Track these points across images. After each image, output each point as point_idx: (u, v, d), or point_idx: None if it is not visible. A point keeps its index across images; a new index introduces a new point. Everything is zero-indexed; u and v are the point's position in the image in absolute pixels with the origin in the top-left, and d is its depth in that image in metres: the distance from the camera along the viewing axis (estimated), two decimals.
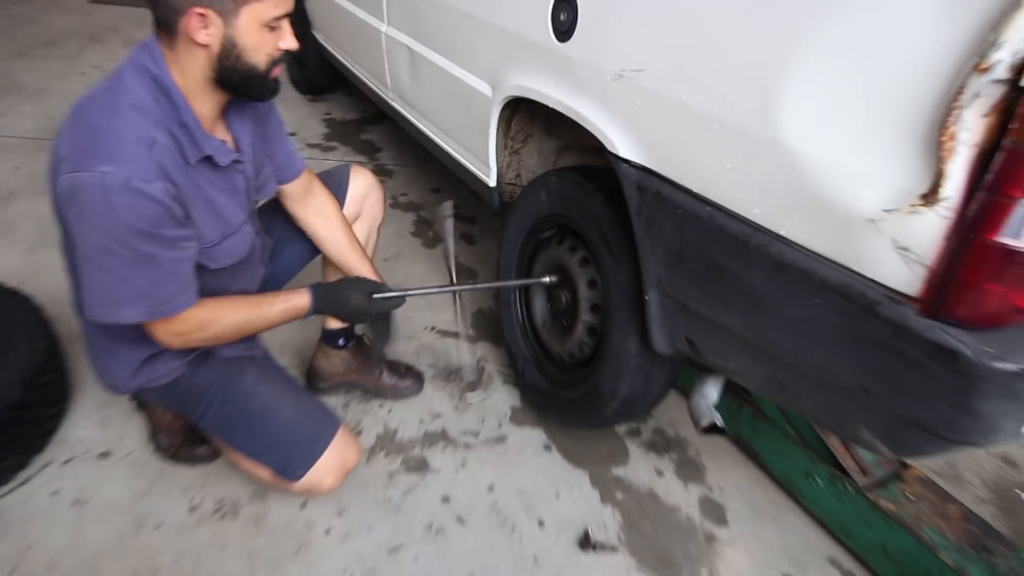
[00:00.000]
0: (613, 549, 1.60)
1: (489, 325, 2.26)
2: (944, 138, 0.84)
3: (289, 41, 1.23)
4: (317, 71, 3.66)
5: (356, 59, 2.85)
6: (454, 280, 1.70)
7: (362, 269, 1.62)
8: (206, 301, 1.30)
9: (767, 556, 1.63)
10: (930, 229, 0.88)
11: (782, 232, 1.06)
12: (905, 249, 0.91)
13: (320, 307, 1.44)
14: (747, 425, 1.82)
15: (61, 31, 4.64)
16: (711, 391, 1.62)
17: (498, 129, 1.80)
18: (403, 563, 1.52)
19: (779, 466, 1.78)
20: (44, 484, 1.60)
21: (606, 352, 1.58)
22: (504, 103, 1.71)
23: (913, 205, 0.88)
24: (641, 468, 1.82)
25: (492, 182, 1.90)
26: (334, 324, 1.83)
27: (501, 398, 1.99)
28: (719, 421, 1.58)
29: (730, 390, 1.78)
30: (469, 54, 1.85)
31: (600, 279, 1.61)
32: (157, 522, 1.55)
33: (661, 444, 1.90)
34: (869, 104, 0.92)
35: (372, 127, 3.62)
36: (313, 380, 1.93)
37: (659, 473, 1.81)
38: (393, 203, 2.90)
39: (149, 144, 1.13)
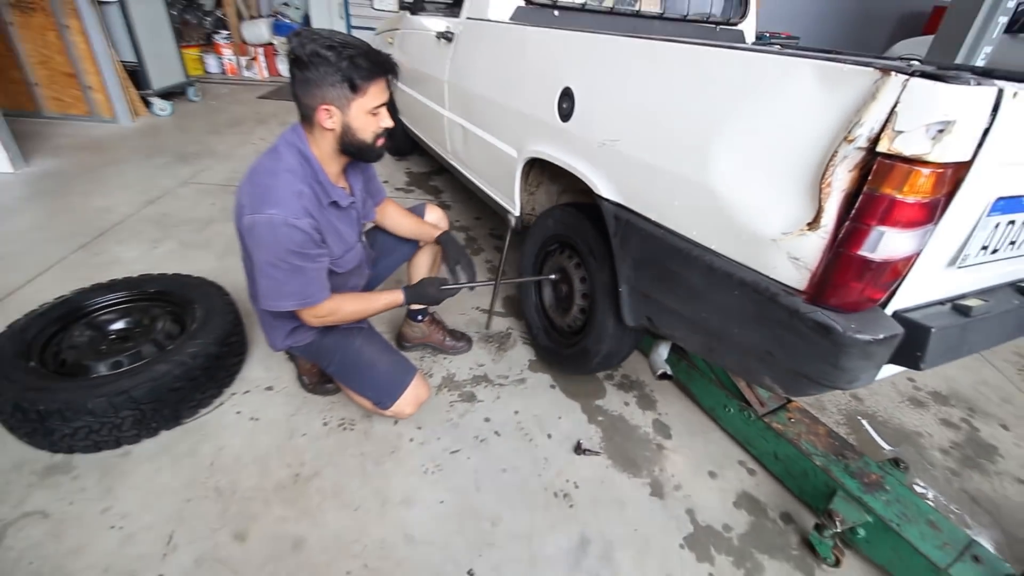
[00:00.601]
0: (597, 453, 1.59)
1: (514, 305, 2.25)
2: (824, 185, 0.84)
3: (387, 121, 1.26)
4: (401, 140, 3.65)
5: (426, 132, 2.83)
6: (498, 277, 1.72)
7: (425, 232, 1.67)
8: (336, 295, 1.32)
9: (698, 460, 1.61)
10: (812, 246, 0.87)
11: (712, 246, 1.06)
12: (796, 259, 0.90)
13: (410, 300, 1.46)
14: (684, 372, 1.79)
15: (240, 116, 4.70)
16: (663, 350, 1.61)
17: (521, 178, 1.79)
18: (460, 461, 1.53)
19: (705, 400, 1.74)
20: (231, 407, 1.64)
21: (592, 325, 1.58)
22: (525, 161, 1.70)
23: (801, 230, 0.88)
24: (614, 400, 1.80)
25: (517, 213, 1.89)
26: (416, 305, 1.84)
27: (522, 353, 1.98)
28: (668, 371, 1.57)
29: (674, 350, 1.77)
30: (503, 130, 1.84)
31: (588, 277, 1.60)
32: (302, 432, 1.58)
33: (627, 385, 1.88)
34: (771, 162, 0.92)
35: (437, 177, 3.61)
36: (400, 342, 1.95)
37: (625, 404, 1.79)
38: (452, 226, 2.90)
39: (298, 195, 1.18)
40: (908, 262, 0.84)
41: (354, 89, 1.14)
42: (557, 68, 1.45)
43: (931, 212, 0.79)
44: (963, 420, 1.87)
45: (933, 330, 0.89)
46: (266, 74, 6.39)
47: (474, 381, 1.83)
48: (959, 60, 3.66)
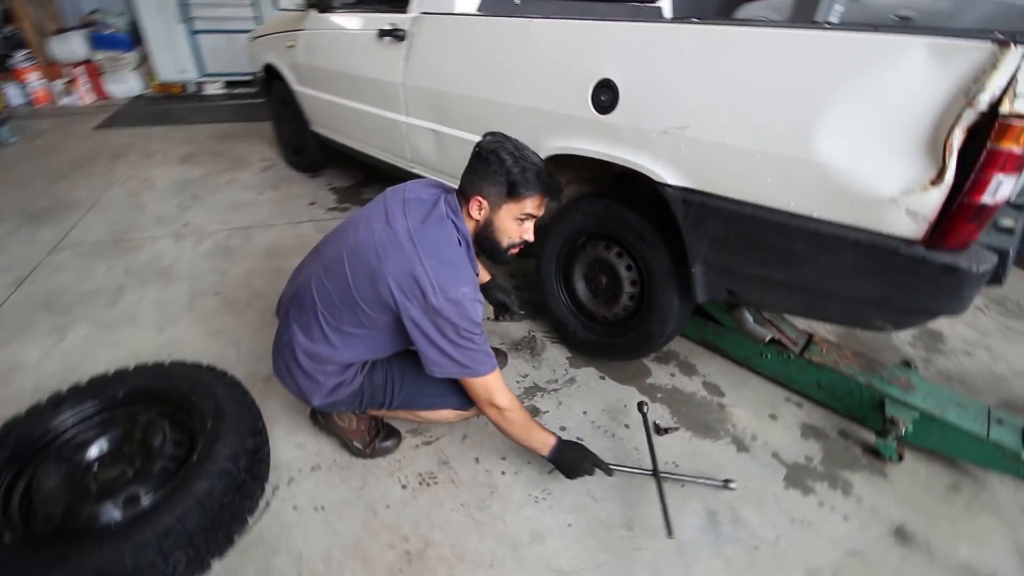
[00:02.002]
0: (676, 428, 1.67)
1: (528, 307, 2.19)
2: (948, 145, 0.95)
3: (530, 235, 1.30)
4: (314, 154, 3.28)
5: (367, 140, 2.56)
6: (656, 467, 1.43)
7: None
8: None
9: (755, 407, 1.76)
10: (933, 199, 0.99)
11: (813, 214, 1.15)
12: (914, 212, 1.02)
13: (555, 459, 1.36)
14: (711, 332, 1.92)
15: (83, 154, 3.83)
16: (750, 317, 1.73)
17: None
18: (559, 477, 1.49)
19: (739, 352, 1.88)
20: (283, 503, 1.40)
21: (653, 308, 1.62)
22: None
23: (924, 187, 0.99)
24: (661, 375, 1.89)
25: None
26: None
27: (556, 354, 1.96)
28: (771, 335, 1.70)
29: (696, 313, 1.90)
30: (505, 130, 1.74)
31: (637, 264, 1.63)
32: (385, 504, 1.41)
33: (663, 358, 1.97)
34: (889, 132, 1.01)
35: (367, 188, 3.31)
36: None
37: (672, 375, 1.89)
38: None
39: (473, 275, 1.23)
40: (1006, 202, 1.01)
41: (511, 195, 1.21)
42: (590, 60, 1.42)
43: None
44: None
45: (1010, 251, 1.10)
46: (92, 98, 5.22)
47: (528, 393, 1.78)
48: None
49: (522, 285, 2.34)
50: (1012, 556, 1.35)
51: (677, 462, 1.56)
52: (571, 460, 1.35)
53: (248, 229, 2.77)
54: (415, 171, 2.31)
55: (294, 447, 1.55)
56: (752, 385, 1.86)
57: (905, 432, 1.54)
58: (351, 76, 2.40)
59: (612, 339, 1.80)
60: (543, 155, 1.63)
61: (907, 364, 1.76)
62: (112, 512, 1.17)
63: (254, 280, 2.33)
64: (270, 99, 3.47)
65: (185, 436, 1.37)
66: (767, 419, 1.73)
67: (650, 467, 1.43)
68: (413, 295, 1.14)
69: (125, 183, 3.31)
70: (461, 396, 1.37)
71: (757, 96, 1.16)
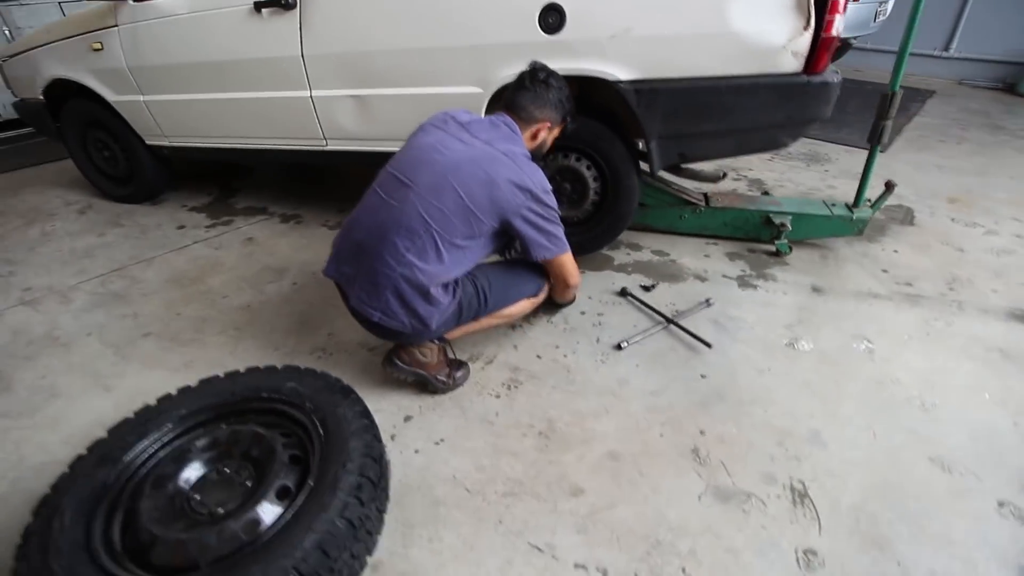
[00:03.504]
0: (656, 284, 2.11)
1: None
2: (808, 2, 1.49)
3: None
4: (152, 178, 2.81)
5: (257, 134, 2.36)
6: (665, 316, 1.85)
7: None
8: None
9: (693, 254, 2.31)
10: (806, 40, 1.54)
11: (734, 72, 1.63)
12: (796, 52, 1.56)
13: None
14: (639, 216, 2.37)
15: None
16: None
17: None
18: (608, 343, 1.79)
19: (662, 222, 2.39)
20: (401, 453, 1.42)
21: (620, 191, 1.98)
22: (497, 90, 1.86)
23: (800, 33, 1.53)
24: (621, 256, 2.30)
25: None
26: None
27: None
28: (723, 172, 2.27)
29: None
30: (451, 74, 1.88)
31: (597, 163, 1.96)
32: (493, 413, 1.53)
33: (614, 246, 2.38)
34: (770, 4, 1.51)
35: (235, 198, 2.95)
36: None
37: (628, 254, 2.32)
38: (327, 225, 2.61)
39: None
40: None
41: (564, 120, 1.54)
42: None
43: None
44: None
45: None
46: None
47: None
48: None
49: None
50: (871, 279, 2.13)
51: (672, 302, 2.00)
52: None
53: (122, 270, 2.32)
54: (332, 148, 2.26)
55: (375, 413, 1.52)
56: (682, 242, 2.41)
57: (787, 231, 2.24)
58: (218, 64, 2.20)
59: (586, 234, 2.12)
60: (497, 86, 1.85)
61: (766, 193, 2.50)
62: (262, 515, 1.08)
63: (183, 310, 2.03)
64: (64, 126, 2.83)
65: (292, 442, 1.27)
66: (704, 258, 2.29)
67: (661, 321, 1.86)
68: (523, 194, 1.37)
69: (65, 238, 2.43)
70: (533, 282, 1.61)
71: None
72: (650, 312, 1.93)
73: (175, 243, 2.53)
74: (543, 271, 1.62)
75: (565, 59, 1.74)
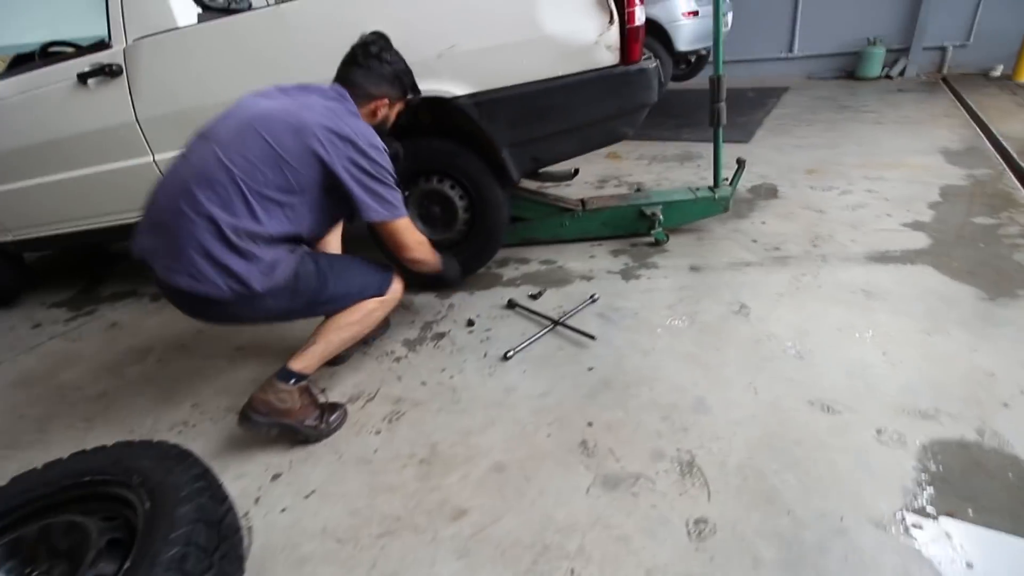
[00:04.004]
0: (544, 291, 2.09)
1: None
2: None
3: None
4: (6, 278, 2.56)
5: (104, 210, 2.20)
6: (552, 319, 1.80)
7: None
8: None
9: (578, 257, 2.32)
10: (614, 33, 1.63)
11: (560, 72, 1.69)
12: (609, 46, 1.65)
13: (446, 268, 1.71)
14: (523, 230, 2.40)
15: None
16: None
17: None
18: (497, 354, 1.73)
19: (547, 232, 2.41)
20: (267, 515, 1.27)
21: (487, 205, 1.98)
22: None
23: (607, 27, 1.62)
24: (510, 272, 2.28)
25: None
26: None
27: (424, 300, 2.12)
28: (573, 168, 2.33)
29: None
30: None
31: (459, 180, 1.96)
32: (372, 450, 1.41)
33: (502, 263, 2.36)
34: (574, 5, 1.60)
35: (103, 288, 2.66)
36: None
37: (516, 268, 2.30)
38: None
39: None
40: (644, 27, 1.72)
41: (404, 95, 1.48)
42: (351, 24, 1.67)
43: None
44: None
45: (656, 65, 1.85)
46: None
47: (424, 329, 1.93)
48: None
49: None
50: (743, 250, 2.22)
51: (560, 304, 1.98)
52: (455, 266, 1.81)
53: None
54: None
55: (236, 479, 1.37)
56: (568, 249, 2.43)
57: (660, 221, 2.31)
58: (51, 143, 2.06)
59: (463, 255, 2.08)
60: None
61: (638, 189, 2.60)
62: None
63: (27, 412, 1.79)
64: None
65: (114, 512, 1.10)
66: (590, 259, 2.31)
67: (547, 324, 1.83)
68: (342, 142, 1.27)
69: None
70: (379, 275, 1.51)
71: (496, 5, 1.64)
72: (537, 318, 1.90)
73: (27, 343, 2.27)
74: (391, 267, 1.55)
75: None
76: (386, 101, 1.44)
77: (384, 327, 1.95)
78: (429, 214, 2.05)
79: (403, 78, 1.45)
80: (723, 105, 2.16)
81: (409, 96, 1.50)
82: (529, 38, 1.65)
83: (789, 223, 2.43)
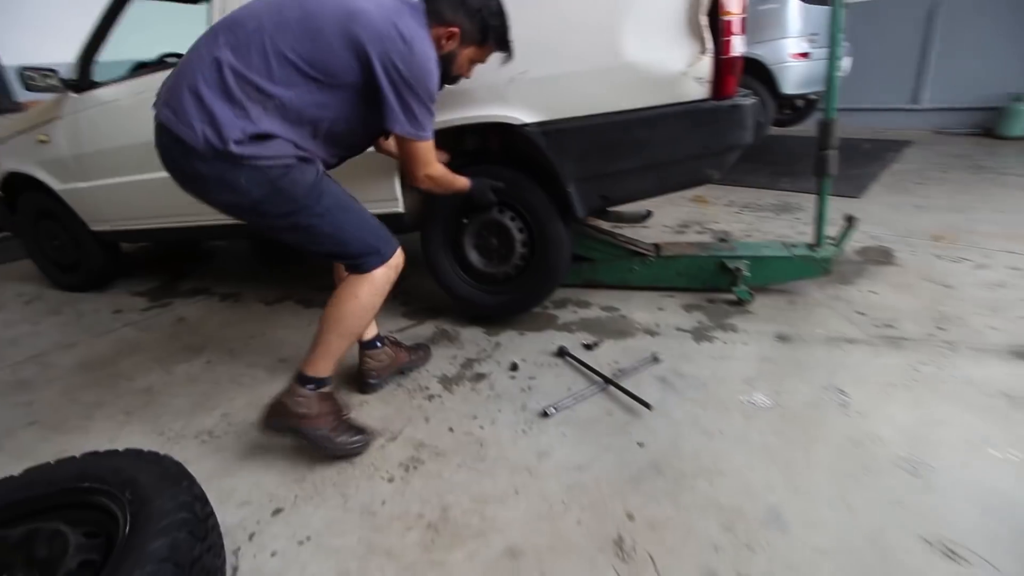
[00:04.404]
0: (600, 343, 1.87)
1: (427, 312, 2.18)
2: (701, 26, 1.40)
3: (470, 76, 1.43)
4: (98, 265, 2.77)
5: (186, 211, 2.28)
6: (603, 376, 1.63)
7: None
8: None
9: (646, 308, 2.08)
10: (706, 64, 1.43)
11: (639, 104, 1.52)
12: (699, 78, 1.45)
13: (475, 188, 1.63)
14: (589, 271, 2.20)
15: None
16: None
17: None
18: (534, 409, 1.54)
19: (612, 277, 2.19)
20: (255, 558, 1.15)
21: (547, 242, 1.81)
22: None
23: (698, 58, 1.43)
24: (567, 315, 2.09)
25: (402, 208, 1.90)
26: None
27: (472, 334, 1.98)
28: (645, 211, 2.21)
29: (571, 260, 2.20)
30: None
31: (520, 212, 1.81)
32: (379, 502, 1.26)
33: (560, 304, 2.17)
34: (666, 28, 1.43)
35: (183, 283, 2.84)
36: (365, 380, 1.66)
37: (574, 312, 2.10)
38: (266, 301, 2.47)
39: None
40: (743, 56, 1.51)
41: (483, 40, 1.32)
42: None
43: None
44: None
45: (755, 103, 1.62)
46: None
47: (465, 366, 1.78)
48: None
49: (409, 292, 2.33)
50: (845, 323, 1.87)
51: (616, 360, 1.75)
52: (481, 187, 1.66)
53: (40, 356, 2.17)
54: None
55: (238, 507, 1.28)
56: (635, 297, 2.19)
57: (745, 277, 2.02)
58: (149, 144, 2.19)
59: (519, 291, 1.94)
60: None
61: (723, 239, 2.32)
62: None
63: (80, 396, 1.85)
64: (18, 219, 2.85)
65: (97, 527, 1.04)
66: (658, 311, 2.06)
67: (598, 381, 1.61)
68: (391, 40, 1.14)
69: None
70: (383, 241, 1.33)
71: (574, 30, 1.51)
72: (588, 372, 1.68)
73: (104, 327, 2.41)
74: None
75: (468, 107, 1.66)
76: (458, 33, 1.27)
77: (426, 357, 1.83)
78: (486, 245, 1.92)
79: (488, 19, 1.28)
80: (833, 153, 1.86)
81: (488, 45, 1.33)
82: (608, 66, 1.50)
83: (906, 296, 2.04)
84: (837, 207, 2.28)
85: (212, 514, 1.09)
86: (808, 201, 3.22)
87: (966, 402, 1.44)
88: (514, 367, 1.75)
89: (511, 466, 1.33)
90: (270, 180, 1.18)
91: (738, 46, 1.43)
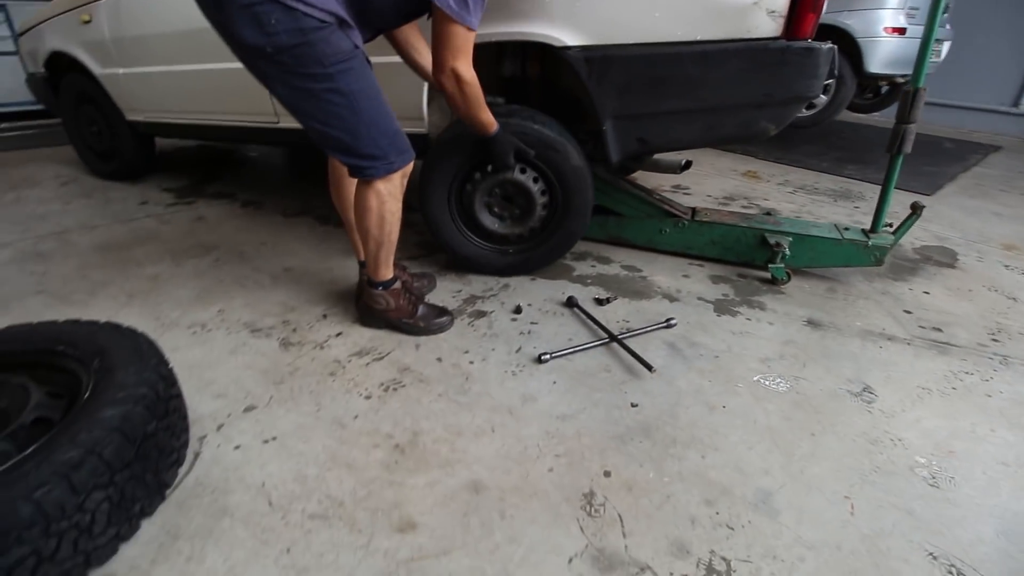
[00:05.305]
0: (614, 298, 1.76)
1: (426, 251, 2.10)
2: None
3: None
4: (132, 155, 2.78)
5: (215, 109, 2.26)
6: (610, 333, 1.51)
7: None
8: None
9: (670, 273, 1.94)
10: None
11: (698, 37, 1.34)
12: (772, 11, 1.26)
13: (495, 138, 1.47)
14: (614, 226, 2.07)
15: None
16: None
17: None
18: (530, 355, 1.46)
19: (641, 237, 2.05)
20: (218, 448, 1.13)
21: (570, 209, 1.69)
22: None
23: None
24: (584, 268, 1.97)
25: (427, 129, 1.79)
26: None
27: (482, 281, 1.92)
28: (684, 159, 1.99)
29: (597, 212, 2.06)
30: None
31: (551, 173, 1.65)
32: (351, 416, 1.22)
33: (580, 256, 2.05)
34: None
35: (210, 185, 2.86)
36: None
37: (592, 266, 1.98)
38: (285, 213, 2.44)
39: None
40: None
41: None
42: None
43: None
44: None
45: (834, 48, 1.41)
46: None
47: (467, 303, 1.70)
48: None
49: (420, 258, 2.24)
50: (888, 318, 1.69)
51: (627, 319, 1.64)
52: (505, 144, 1.49)
53: (62, 233, 2.22)
54: (283, 126, 2.10)
55: (213, 398, 1.26)
56: (660, 260, 2.05)
57: (784, 256, 1.85)
58: (184, 34, 2.12)
59: (534, 250, 1.81)
60: None
61: (768, 213, 2.12)
62: None
63: (91, 274, 1.87)
64: (60, 100, 2.88)
65: (62, 389, 1.03)
66: (682, 278, 1.92)
67: (603, 337, 1.51)
68: None
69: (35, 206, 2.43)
70: (401, 145, 1.29)
71: None
72: (594, 326, 1.58)
73: (128, 215, 2.43)
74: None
75: (510, 21, 1.51)
76: None
77: (429, 286, 1.76)
78: (501, 205, 1.76)
79: None
80: (912, 128, 1.63)
81: None
82: None
83: (963, 302, 1.83)
84: (904, 201, 2.05)
85: (177, 396, 1.07)
86: (872, 192, 2.95)
87: (1008, 420, 1.28)
88: (517, 310, 1.66)
89: (493, 404, 1.27)
90: (302, 30, 1.08)
91: None
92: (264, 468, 1.07)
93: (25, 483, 0.77)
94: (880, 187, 1.83)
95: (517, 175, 1.67)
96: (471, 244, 1.83)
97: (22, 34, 2.88)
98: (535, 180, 1.69)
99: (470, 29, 1.19)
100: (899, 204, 1.98)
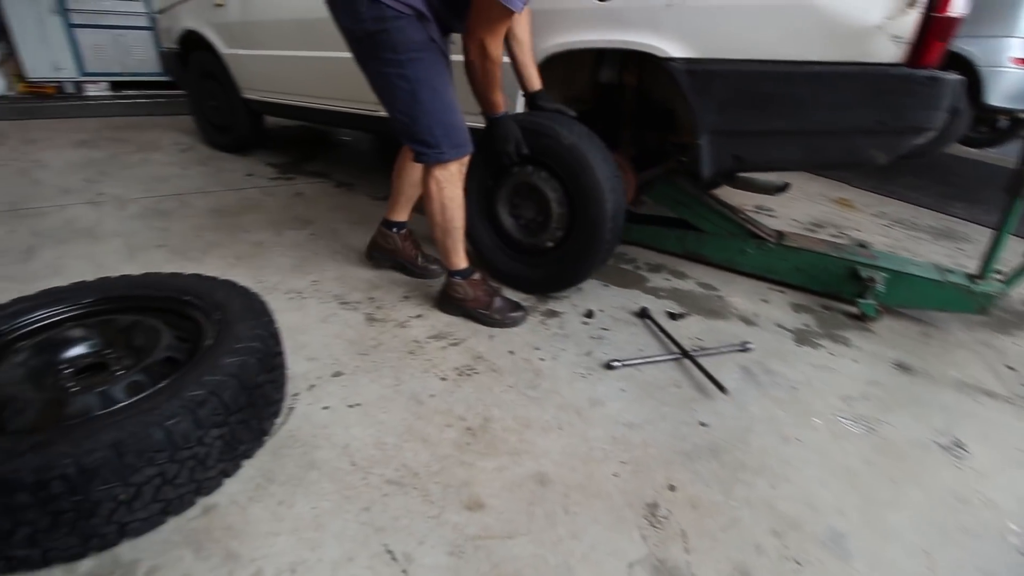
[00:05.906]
0: (688, 314, 1.73)
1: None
2: None
3: None
4: (244, 131, 3.03)
5: (325, 94, 2.42)
6: (683, 349, 1.50)
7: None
8: None
9: (748, 295, 1.89)
10: (911, 20, 1.17)
11: (811, 57, 1.29)
12: (897, 36, 1.20)
13: (500, 119, 1.52)
14: (693, 242, 2.04)
15: None
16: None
17: None
18: (599, 358, 1.47)
19: (720, 255, 2.01)
20: (309, 406, 1.22)
21: (587, 226, 1.61)
22: (543, 59, 1.67)
23: (903, 10, 1.17)
24: (658, 280, 1.96)
25: None
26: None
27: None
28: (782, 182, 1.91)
29: (676, 226, 2.03)
30: None
31: (568, 182, 1.60)
32: (428, 394, 1.28)
33: (655, 268, 2.05)
34: None
35: (309, 163, 3.09)
36: (370, 251, 1.87)
37: (667, 280, 1.97)
38: (374, 196, 2.58)
39: None
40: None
41: None
42: None
43: None
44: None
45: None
46: None
47: (544, 299, 1.75)
48: None
49: None
50: (988, 372, 1.57)
51: (700, 337, 1.62)
52: (507, 130, 1.52)
53: (181, 195, 2.46)
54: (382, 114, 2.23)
55: (306, 360, 1.37)
56: (739, 281, 1.99)
57: (876, 294, 1.75)
58: (303, 22, 2.30)
59: (556, 266, 1.73)
60: (542, 56, 1.67)
61: (862, 245, 2.01)
62: (115, 394, 0.95)
63: (205, 234, 2.07)
64: (187, 74, 3.18)
65: (187, 334, 1.16)
66: (761, 303, 1.86)
67: (675, 352, 1.49)
68: None
69: (7, 164, 2.79)
70: (459, 136, 1.40)
71: None
72: (666, 340, 1.57)
73: (237, 185, 2.66)
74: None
75: (615, 29, 1.53)
76: None
77: (434, 273, 1.83)
78: (520, 211, 1.76)
79: None
80: None
81: None
82: (788, 4, 1.28)
83: None
84: (1017, 248, 1.89)
85: (281, 354, 1.17)
86: (979, 234, 2.72)
87: None
88: (589, 314, 1.68)
89: (561, 402, 1.29)
90: (383, 19, 1.25)
91: (958, 4, 1.15)
92: (348, 431, 1.16)
93: (159, 412, 0.89)
94: (992, 230, 1.69)
95: (528, 176, 1.66)
96: (505, 258, 1.82)
97: (161, 12, 3.21)
98: (552, 190, 1.64)
99: (511, 12, 1.23)
100: (1012, 251, 1.82)
